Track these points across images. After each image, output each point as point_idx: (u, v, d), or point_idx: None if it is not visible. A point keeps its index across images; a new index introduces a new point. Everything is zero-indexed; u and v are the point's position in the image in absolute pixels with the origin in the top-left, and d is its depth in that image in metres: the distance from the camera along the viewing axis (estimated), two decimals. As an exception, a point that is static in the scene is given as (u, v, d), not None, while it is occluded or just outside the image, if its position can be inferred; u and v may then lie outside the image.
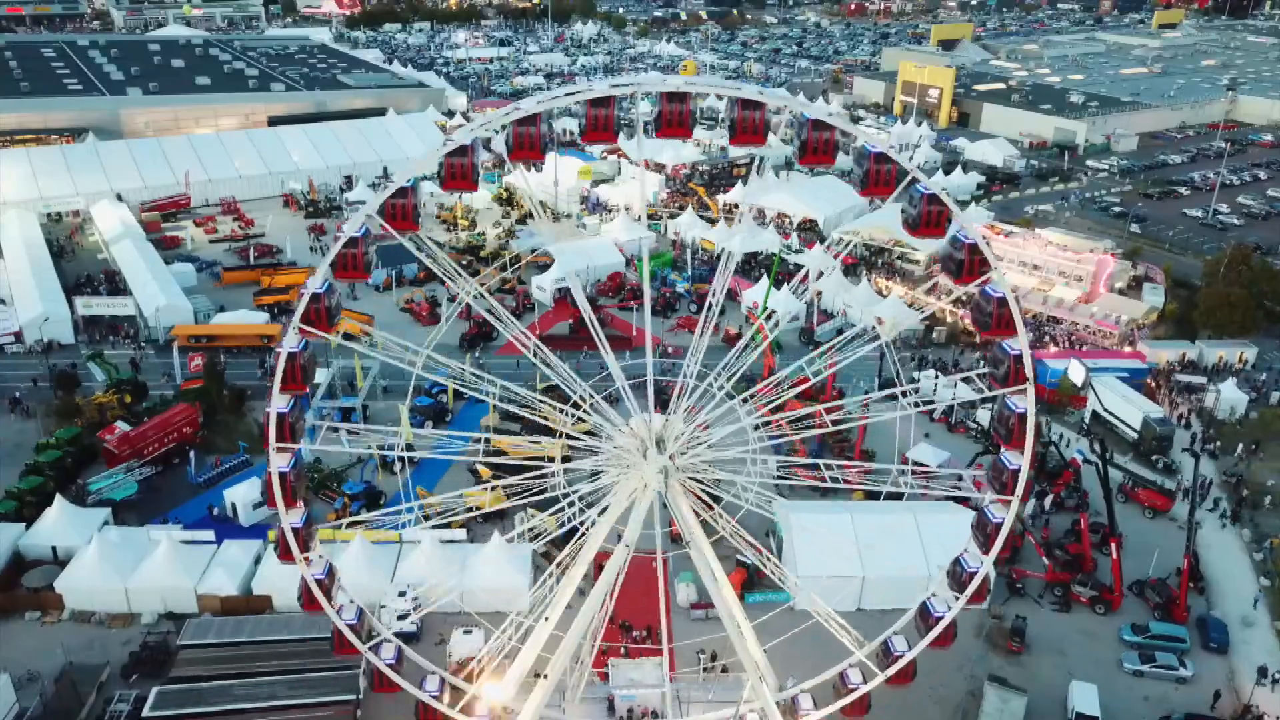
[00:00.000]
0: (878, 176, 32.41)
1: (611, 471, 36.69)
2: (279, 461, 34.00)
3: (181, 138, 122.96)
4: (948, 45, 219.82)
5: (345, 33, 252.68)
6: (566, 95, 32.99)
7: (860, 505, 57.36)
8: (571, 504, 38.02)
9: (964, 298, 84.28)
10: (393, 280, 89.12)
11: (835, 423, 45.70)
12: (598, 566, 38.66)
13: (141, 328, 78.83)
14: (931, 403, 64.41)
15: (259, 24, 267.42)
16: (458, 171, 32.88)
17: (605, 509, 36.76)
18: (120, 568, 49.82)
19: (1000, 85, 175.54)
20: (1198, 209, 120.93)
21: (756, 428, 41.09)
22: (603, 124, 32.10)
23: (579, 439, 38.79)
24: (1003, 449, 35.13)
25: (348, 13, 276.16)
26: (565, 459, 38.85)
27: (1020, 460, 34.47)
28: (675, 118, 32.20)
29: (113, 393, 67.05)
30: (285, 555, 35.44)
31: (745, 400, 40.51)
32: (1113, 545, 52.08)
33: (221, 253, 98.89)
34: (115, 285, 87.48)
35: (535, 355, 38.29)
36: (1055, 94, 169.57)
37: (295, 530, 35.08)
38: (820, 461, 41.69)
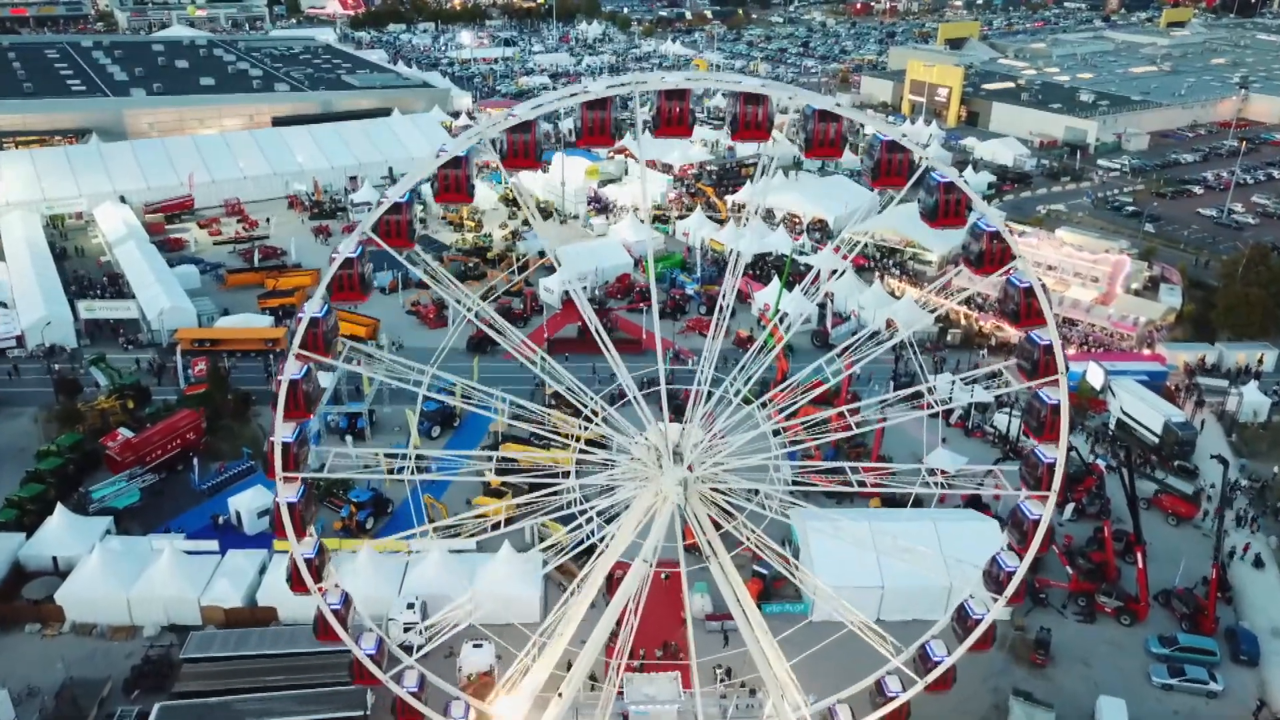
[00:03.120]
0: (890, 166, 31.27)
1: (627, 485, 35.50)
2: (286, 492, 33.05)
3: (185, 138, 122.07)
4: (955, 44, 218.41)
5: (350, 33, 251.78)
6: (559, 100, 31.97)
7: (878, 512, 56.14)
8: (589, 519, 36.94)
9: (977, 297, 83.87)
10: (399, 282, 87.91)
11: (853, 426, 44.64)
12: (613, 580, 37.51)
13: (144, 331, 77.79)
14: (950, 404, 63.19)
15: (263, 25, 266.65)
16: (451, 184, 31.90)
17: (621, 523, 35.56)
18: (122, 579, 48.72)
19: (1009, 84, 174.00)
20: (1212, 208, 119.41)
21: (775, 433, 40.01)
22: (599, 127, 31.04)
23: (591, 452, 37.72)
24: (1036, 443, 34.20)
25: (352, 13, 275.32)
26: (578, 470, 37.90)
27: (1056, 453, 33.59)
28: (675, 116, 31.08)
29: (115, 398, 66.00)
30: (299, 587, 34.31)
31: (763, 405, 39.40)
32: (1138, 554, 50.77)
33: (225, 255, 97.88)
34: (119, 288, 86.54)
35: (542, 368, 37.28)
36: (1065, 93, 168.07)
37: (308, 561, 34.01)
38: (846, 465, 40.62)
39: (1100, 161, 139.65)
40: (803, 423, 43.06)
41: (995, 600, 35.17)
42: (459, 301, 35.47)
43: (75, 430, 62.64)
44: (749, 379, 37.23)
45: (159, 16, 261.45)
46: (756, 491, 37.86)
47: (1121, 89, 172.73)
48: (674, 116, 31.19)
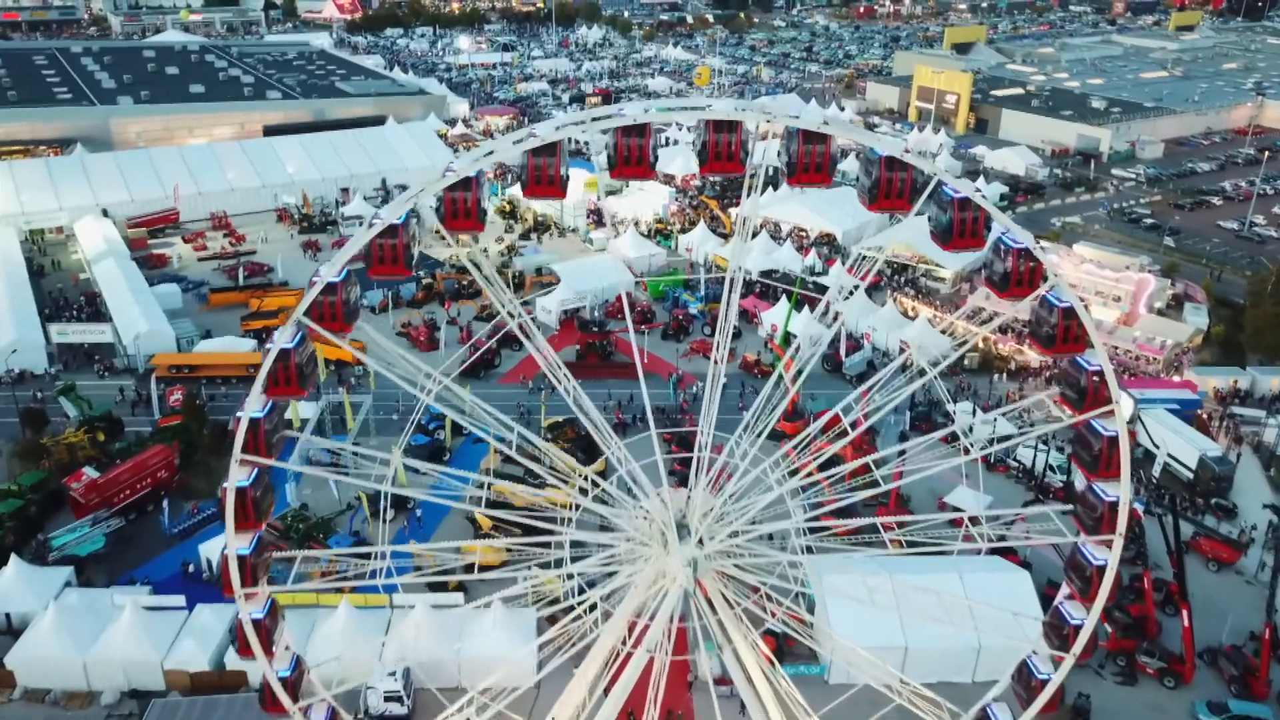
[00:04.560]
0: (890, 187, 27.44)
1: (625, 569, 31.72)
2: (238, 544, 29.58)
3: (172, 149, 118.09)
4: (961, 49, 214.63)
5: (346, 38, 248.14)
6: (516, 144, 28.62)
7: (898, 561, 52.16)
8: (583, 589, 33.23)
9: (1002, 319, 79.35)
10: (389, 301, 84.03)
11: (881, 481, 40.93)
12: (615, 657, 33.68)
13: (120, 355, 73.90)
14: (988, 445, 59.39)
15: (259, 29, 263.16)
16: (460, 209, 28.50)
17: (620, 609, 31.74)
18: (79, 639, 44.77)
19: (1018, 90, 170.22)
20: (1233, 220, 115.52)
21: (795, 493, 36.21)
22: (635, 155, 27.39)
23: (592, 509, 34.01)
24: (1089, 479, 31.02)
25: (348, 17, 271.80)
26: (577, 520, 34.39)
27: (1118, 491, 30.24)
28: (633, 155, 27.69)
29: (84, 431, 62.13)
30: (244, 651, 30.83)
31: (778, 463, 35.58)
32: (1183, 611, 46.82)
33: (210, 272, 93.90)
34: (96, 308, 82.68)
35: (574, 400, 33.54)
36: (1076, 99, 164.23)
37: (256, 622, 30.43)
38: (875, 522, 37.09)
39: (1114, 171, 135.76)
40: (828, 476, 39.45)
41: (1063, 658, 31.55)
42: (505, 308, 32.04)
43: (40, 468, 58.73)
44: (761, 431, 33.44)
45: (153, 21, 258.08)
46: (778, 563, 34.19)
47: (1133, 95, 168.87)
48: (632, 155, 27.76)
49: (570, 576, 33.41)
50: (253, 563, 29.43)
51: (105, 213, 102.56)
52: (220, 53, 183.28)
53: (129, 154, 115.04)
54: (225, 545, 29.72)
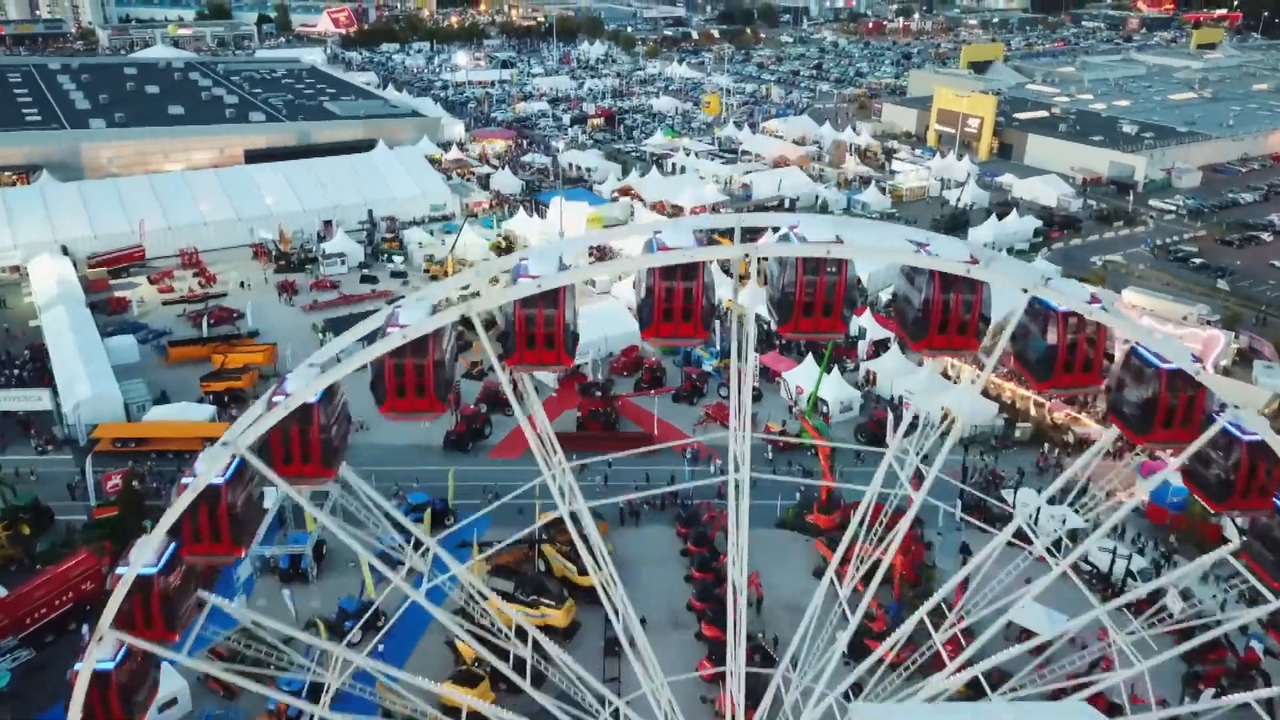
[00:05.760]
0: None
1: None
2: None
3: (141, 178, 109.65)
4: (979, 68, 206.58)
5: (340, 53, 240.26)
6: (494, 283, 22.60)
7: (951, 707, 43.20)
8: None
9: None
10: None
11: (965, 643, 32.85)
12: None
13: (58, 424, 65.14)
14: (1061, 544, 50.39)
15: (251, 44, 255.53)
16: (409, 380, 21.70)
17: None
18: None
19: (1043, 113, 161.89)
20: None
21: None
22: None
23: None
24: None
25: (344, 31, 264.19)
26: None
27: None
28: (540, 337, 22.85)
29: (4, 525, 53.38)
30: None
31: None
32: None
33: (174, 319, 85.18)
34: (42, 363, 74.03)
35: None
36: (1104, 123, 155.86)
37: None
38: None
39: (1152, 202, 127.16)
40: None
41: None
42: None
43: (-54, 575, 50.11)
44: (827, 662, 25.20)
45: (142, 35, 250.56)
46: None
47: (1164, 118, 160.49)
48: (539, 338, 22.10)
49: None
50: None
51: (65, 249, 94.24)
52: (205, 70, 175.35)
53: (94, 184, 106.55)
54: None
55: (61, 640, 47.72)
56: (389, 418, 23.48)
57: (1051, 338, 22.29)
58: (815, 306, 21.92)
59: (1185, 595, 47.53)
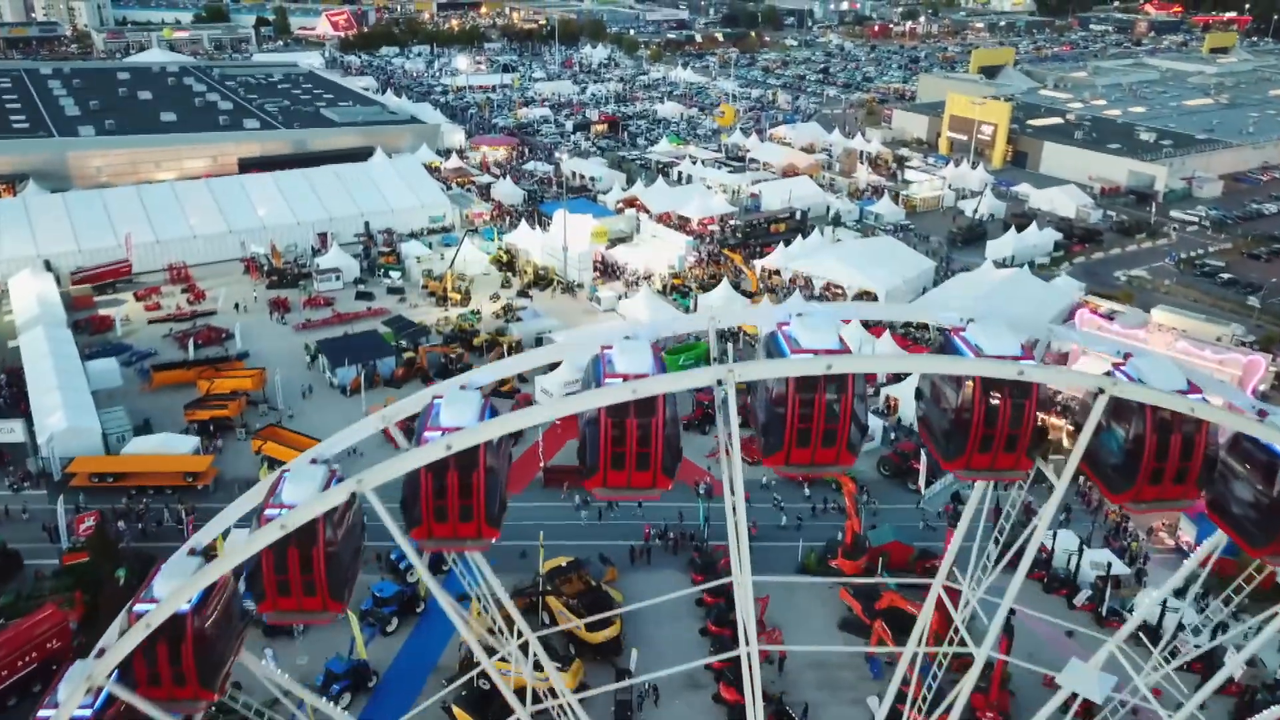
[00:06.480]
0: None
1: None
2: None
3: (129, 189, 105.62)
4: (989, 72, 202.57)
5: (339, 57, 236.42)
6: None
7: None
8: None
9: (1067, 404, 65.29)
10: (362, 381, 71.28)
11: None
12: None
13: (31, 459, 61.22)
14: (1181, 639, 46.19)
15: (248, 47, 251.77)
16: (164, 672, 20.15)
17: None
18: None
19: (1058, 119, 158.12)
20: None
21: None
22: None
23: None
24: None
25: (343, 34, 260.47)
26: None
27: None
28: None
29: (-33, 573, 49.62)
30: None
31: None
32: None
33: (160, 339, 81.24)
34: (18, 389, 70.16)
35: None
36: (1121, 130, 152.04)
37: None
38: None
39: (1173, 213, 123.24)
40: None
41: None
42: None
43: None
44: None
45: (138, 38, 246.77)
46: None
47: (1181, 125, 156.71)
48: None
49: None
50: None
51: (48, 264, 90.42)
52: (200, 74, 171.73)
53: (79, 195, 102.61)
54: None
55: (26, 703, 43.82)
56: (270, 620, 19.87)
57: (1134, 435, 18.19)
58: (818, 437, 19.68)
59: (1251, 663, 43.61)
